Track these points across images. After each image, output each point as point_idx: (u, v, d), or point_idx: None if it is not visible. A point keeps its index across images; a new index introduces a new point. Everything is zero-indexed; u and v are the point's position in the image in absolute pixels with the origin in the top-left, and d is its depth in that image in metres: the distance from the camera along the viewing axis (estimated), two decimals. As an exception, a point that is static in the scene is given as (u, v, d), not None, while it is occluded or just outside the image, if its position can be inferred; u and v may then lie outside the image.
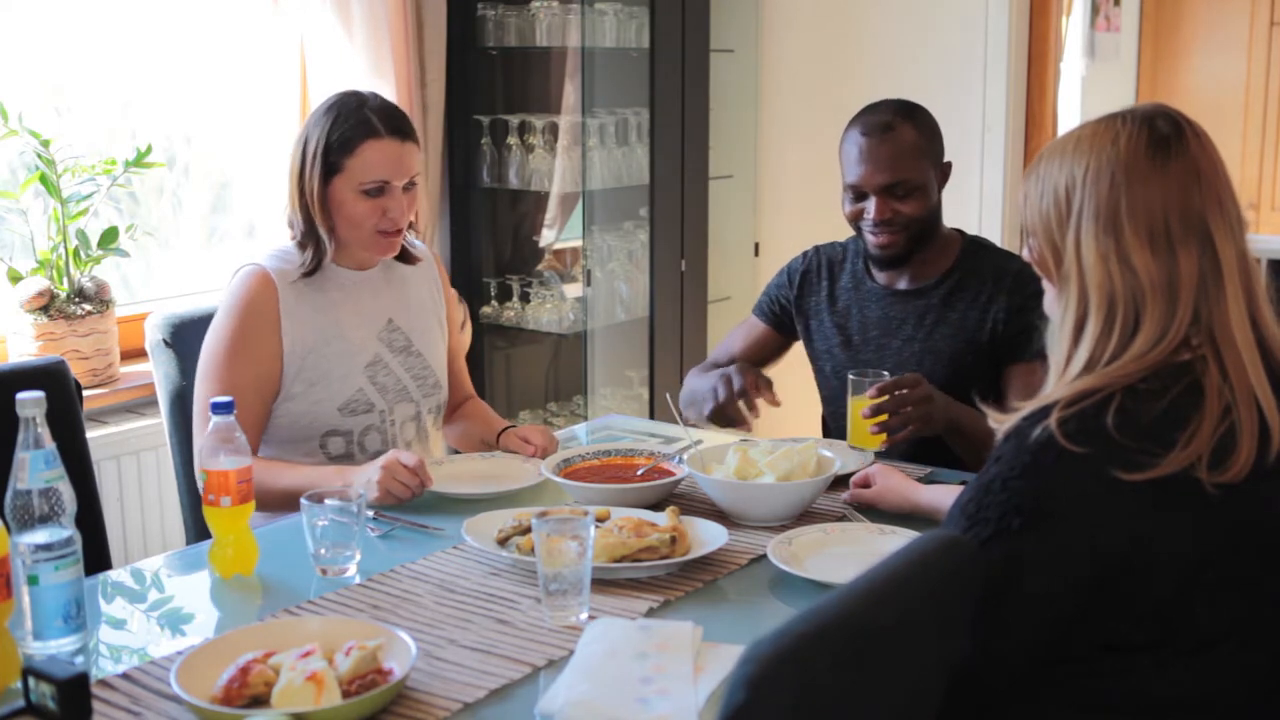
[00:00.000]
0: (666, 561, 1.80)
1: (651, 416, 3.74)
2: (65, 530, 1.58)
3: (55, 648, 1.58)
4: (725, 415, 2.33)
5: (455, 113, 3.78)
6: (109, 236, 2.98)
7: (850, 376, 2.24)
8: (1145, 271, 1.39)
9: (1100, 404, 1.35)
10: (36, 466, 1.56)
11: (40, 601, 1.57)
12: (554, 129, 3.80)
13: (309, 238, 2.28)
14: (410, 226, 2.34)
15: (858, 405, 2.21)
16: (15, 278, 2.91)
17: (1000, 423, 1.42)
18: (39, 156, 2.87)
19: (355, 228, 2.27)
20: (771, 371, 2.75)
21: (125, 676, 1.53)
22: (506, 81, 3.94)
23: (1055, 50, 4.04)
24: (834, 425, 2.58)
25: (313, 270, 2.28)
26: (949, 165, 2.44)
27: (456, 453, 2.58)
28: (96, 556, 2.14)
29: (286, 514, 2.10)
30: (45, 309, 2.88)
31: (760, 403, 2.32)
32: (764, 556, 1.86)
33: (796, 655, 1.05)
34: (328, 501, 1.85)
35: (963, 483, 1.74)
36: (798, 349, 2.66)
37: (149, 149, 2.99)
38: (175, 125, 3.34)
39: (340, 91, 2.31)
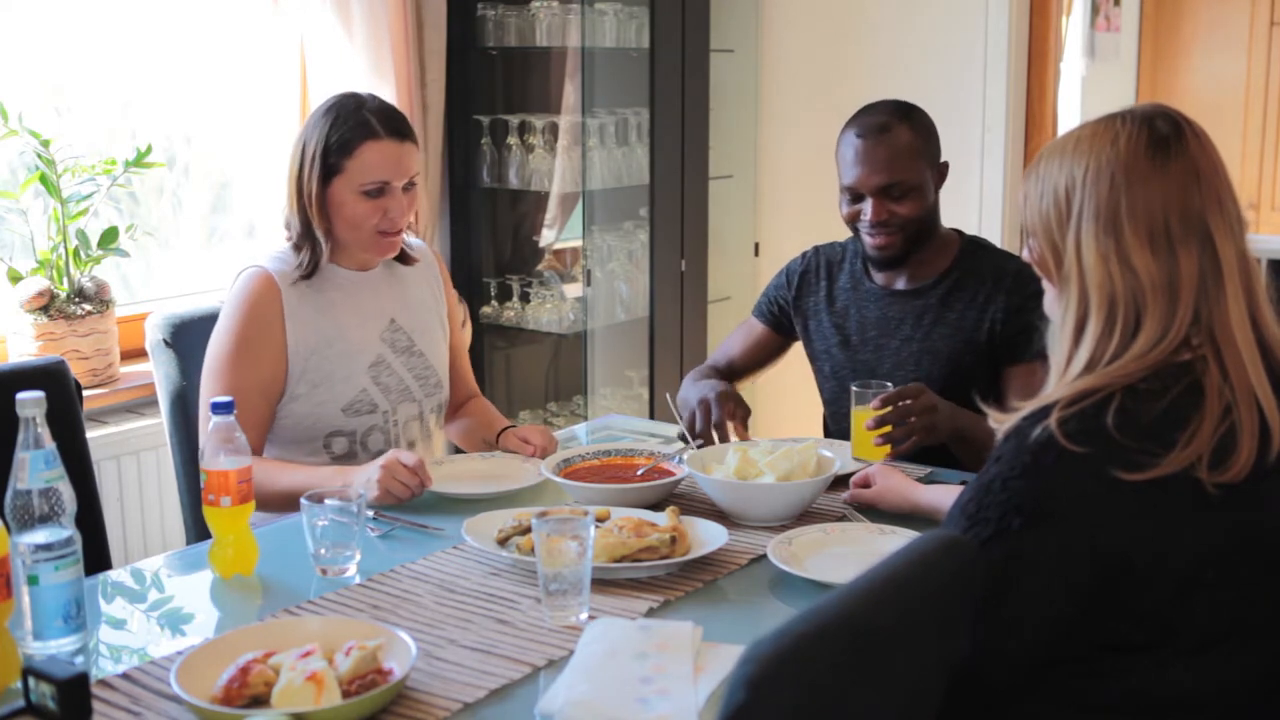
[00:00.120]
0: (666, 561, 1.80)
1: (651, 416, 3.74)
2: (65, 530, 1.58)
3: (55, 648, 1.58)
4: (700, 439, 2.33)
5: (455, 113, 3.78)
6: (109, 236, 2.98)
7: (853, 388, 2.23)
8: (1146, 272, 1.39)
9: (1100, 404, 1.35)
10: (36, 466, 1.56)
11: (40, 601, 1.57)
12: (554, 129, 3.80)
13: (305, 239, 2.28)
14: (409, 227, 2.35)
15: (861, 417, 2.19)
16: (15, 278, 2.91)
17: (1001, 423, 1.42)
18: (39, 156, 2.87)
19: (355, 229, 2.27)
20: (771, 372, 2.75)
21: (125, 676, 1.53)
22: (506, 81, 3.94)
23: (1055, 50, 4.03)
24: (834, 426, 2.58)
25: (309, 273, 2.28)
26: (946, 165, 2.44)
27: (458, 452, 2.58)
28: (96, 556, 2.14)
29: (286, 514, 2.11)
30: (45, 309, 2.88)
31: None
32: (764, 556, 1.86)
33: (796, 655, 1.05)
34: (328, 501, 1.85)
35: (963, 483, 1.74)
36: (798, 349, 2.66)
37: (149, 149, 2.99)
38: (175, 125, 3.34)
39: (338, 93, 2.32)
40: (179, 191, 3.42)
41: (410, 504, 2.10)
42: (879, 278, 2.49)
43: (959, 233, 2.50)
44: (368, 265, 2.38)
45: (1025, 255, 1.53)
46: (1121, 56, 5.65)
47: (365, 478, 2.08)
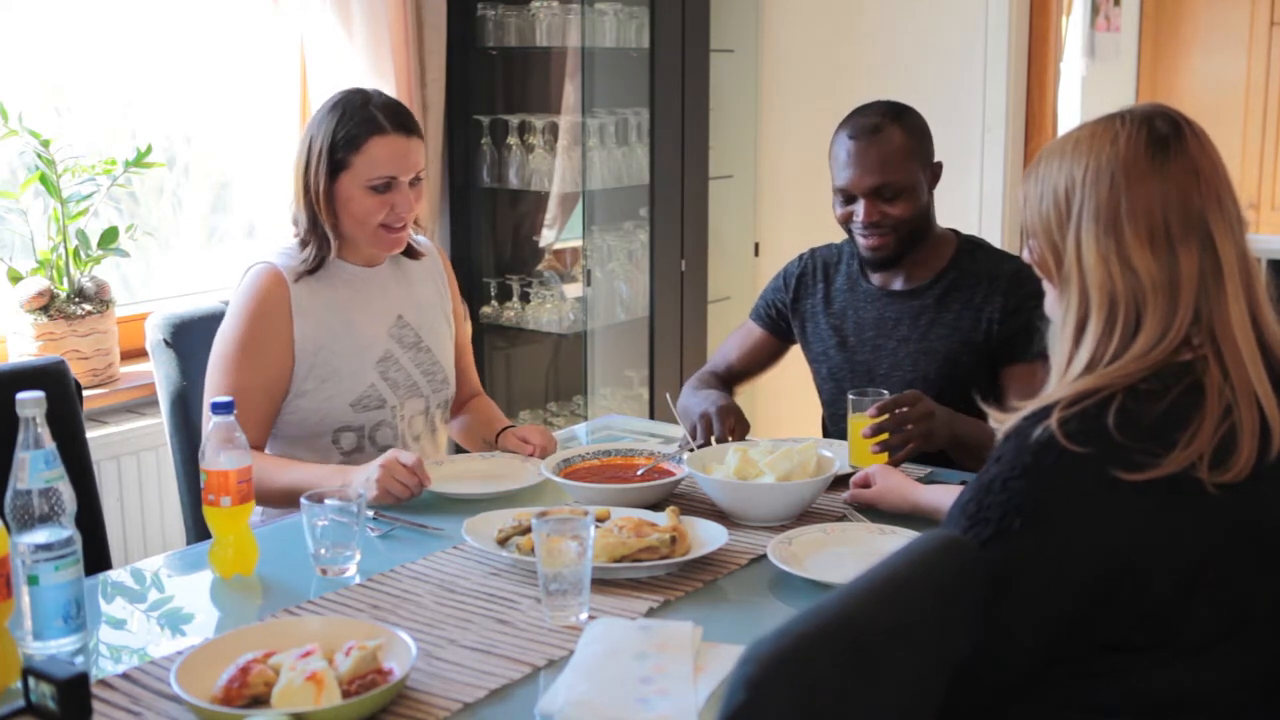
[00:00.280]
0: (666, 561, 1.80)
1: (651, 416, 3.74)
2: (65, 530, 1.58)
3: (55, 648, 1.58)
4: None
5: (455, 113, 3.78)
6: (109, 236, 2.98)
7: (850, 396, 2.23)
8: (1146, 271, 1.39)
9: (1101, 404, 1.35)
10: (36, 466, 1.56)
11: (40, 601, 1.57)
12: (554, 129, 3.80)
13: (312, 234, 2.29)
14: (415, 222, 2.35)
15: (858, 424, 2.19)
16: (15, 278, 2.91)
17: (1001, 423, 1.42)
18: (39, 156, 2.87)
19: (362, 224, 2.27)
20: (771, 372, 2.75)
21: (125, 676, 1.53)
22: (506, 81, 3.94)
23: (1055, 50, 4.03)
24: (832, 427, 2.58)
25: (315, 267, 2.29)
26: (939, 166, 2.44)
27: (459, 450, 2.58)
28: (96, 556, 2.14)
29: (285, 512, 2.11)
30: (45, 309, 2.88)
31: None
32: (764, 556, 1.86)
33: (796, 655, 1.05)
34: (328, 501, 1.85)
35: (963, 483, 1.74)
36: (797, 349, 2.66)
37: (149, 149, 2.99)
38: (175, 125, 3.34)
39: (344, 89, 2.32)
40: (179, 191, 3.42)
41: (410, 504, 2.10)
42: (875, 278, 2.49)
43: (956, 233, 2.50)
44: (375, 261, 2.38)
45: (1025, 256, 1.53)
46: (1121, 56, 5.65)
47: (364, 478, 2.08)
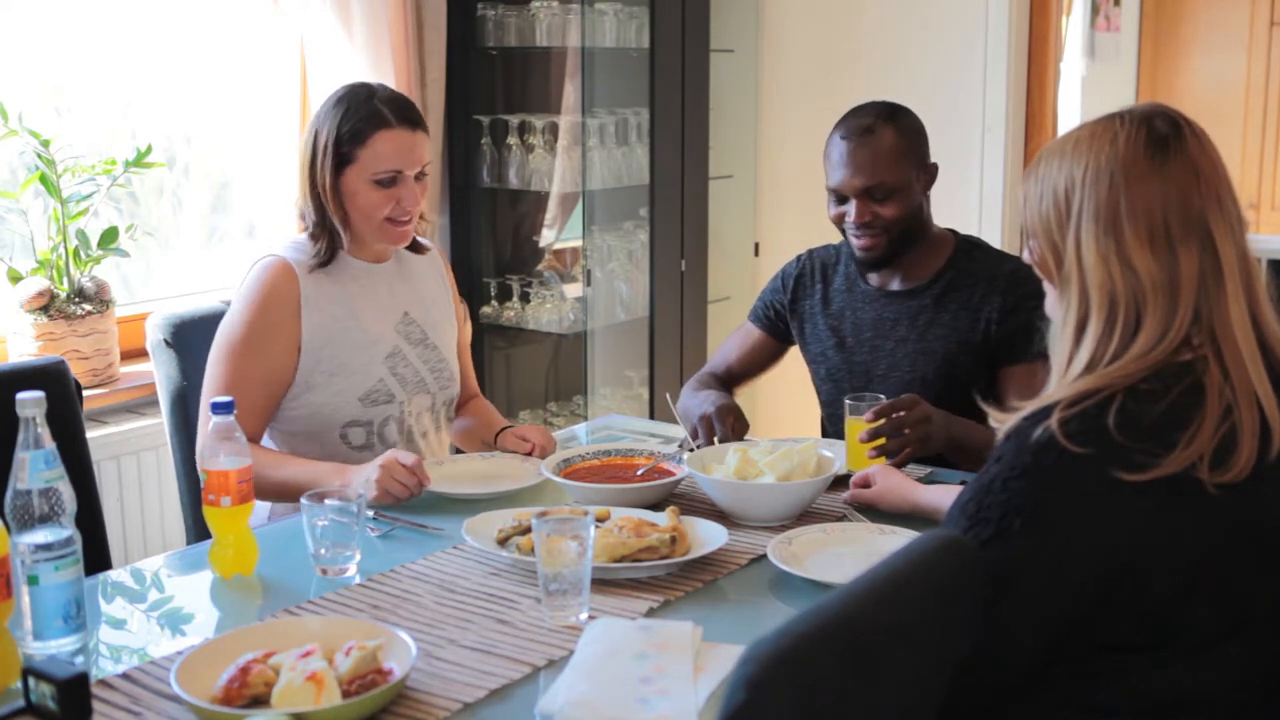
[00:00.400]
0: (666, 561, 1.80)
1: (651, 416, 3.74)
2: (65, 530, 1.58)
3: (55, 648, 1.58)
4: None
5: (455, 113, 3.78)
6: (109, 236, 2.98)
7: (847, 400, 2.22)
8: (1146, 271, 1.39)
9: (1102, 404, 1.35)
10: (36, 466, 1.56)
11: (40, 601, 1.57)
12: (554, 129, 3.80)
13: (321, 229, 2.29)
14: (421, 217, 2.36)
15: (854, 429, 2.18)
16: (15, 278, 2.91)
17: (1001, 423, 1.42)
18: (39, 156, 2.87)
19: (367, 218, 2.28)
20: (771, 372, 2.75)
21: (125, 676, 1.53)
22: (506, 81, 3.94)
23: (1055, 50, 4.03)
24: (831, 427, 2.58)
25: (326, 261, 2.29)
26: (935, 167, 2.44)
27: (458, 451, 2.58)
28: (96, 556, 2.14)
29: (293, 510, 2.10)
30: (45, 309, 2.88)
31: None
32: (764, 556, 1.86)
33: (796, 655, 1.05)
34: (328, 501, 1.85)
35: (963, 483, 1.74)
36: (797, 350, 2.66)
37: (149, 149, 2.99)
38: (175, 125, 3.34)
39: (349, 84, 2.32)
40: (179, 191, 3.42)
41: (410, 504, 2.10)
42: (873, 279, 2.49)
43: (954, 233, 2.50)
44: (382, 257, 2.38)
45: (1026, 256, 1.53)
46: (1121, 56, 5.65)
47: (364, 478, 2.08)
